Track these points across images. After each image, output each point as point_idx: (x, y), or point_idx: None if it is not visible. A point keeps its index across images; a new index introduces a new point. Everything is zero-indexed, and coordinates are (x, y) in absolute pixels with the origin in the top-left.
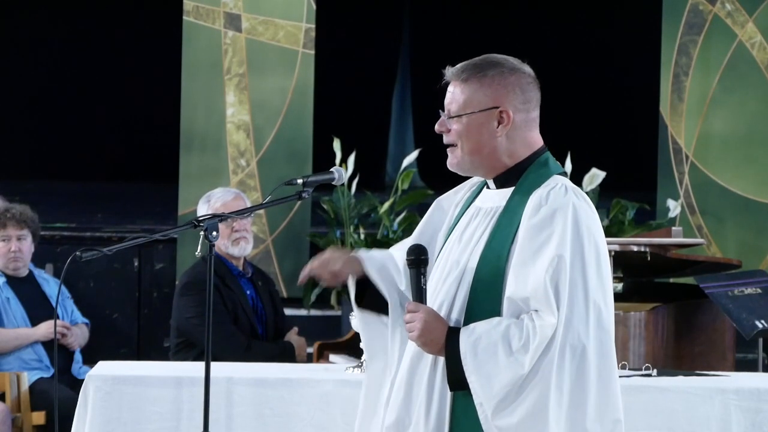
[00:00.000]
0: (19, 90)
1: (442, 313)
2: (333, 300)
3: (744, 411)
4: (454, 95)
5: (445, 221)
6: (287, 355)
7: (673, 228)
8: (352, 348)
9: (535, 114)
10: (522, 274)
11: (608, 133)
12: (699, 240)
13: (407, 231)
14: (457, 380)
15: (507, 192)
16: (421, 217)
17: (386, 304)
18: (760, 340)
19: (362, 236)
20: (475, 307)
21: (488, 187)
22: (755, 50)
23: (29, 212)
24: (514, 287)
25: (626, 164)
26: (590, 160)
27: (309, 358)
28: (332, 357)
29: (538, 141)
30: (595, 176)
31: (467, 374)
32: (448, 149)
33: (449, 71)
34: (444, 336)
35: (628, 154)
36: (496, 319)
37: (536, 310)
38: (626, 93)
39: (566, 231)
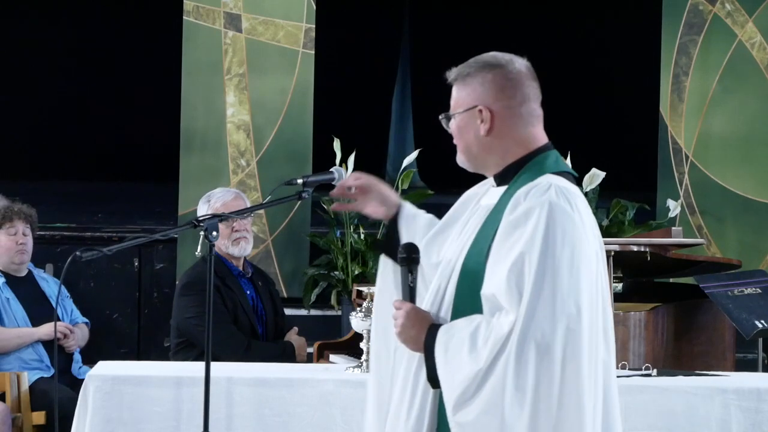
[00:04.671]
0: (19, 90)
1: (433, 310)
2: (333, 300)
3: (744, 411)
4: (452, 96)
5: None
6: (287, 355)
7: (673, 228)
8: (352, 348)
9: (527, 109)
10: (493, 271)
11: (608, 133)
12: (699, 240)
13: None
14: (432, 378)
15: (501, 190)
16: None
17: None
18: (760, 340)
19: (362, 236)
20: (460, 304)
21: (493, 185)
22: (755, 50)
23: (31, 211)
24: (486, 284)
25: (626, 164)
26: (590, 160)
27: (309, 358)
28: (332, 357)
29: (536, 139)
30: (595, 176)
31: (437, 370)
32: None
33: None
34: (424, 333)
35: (628, 154)
36: (473, 317)
37: (503, 309)
38: (626, 93)
39: (537, 230)
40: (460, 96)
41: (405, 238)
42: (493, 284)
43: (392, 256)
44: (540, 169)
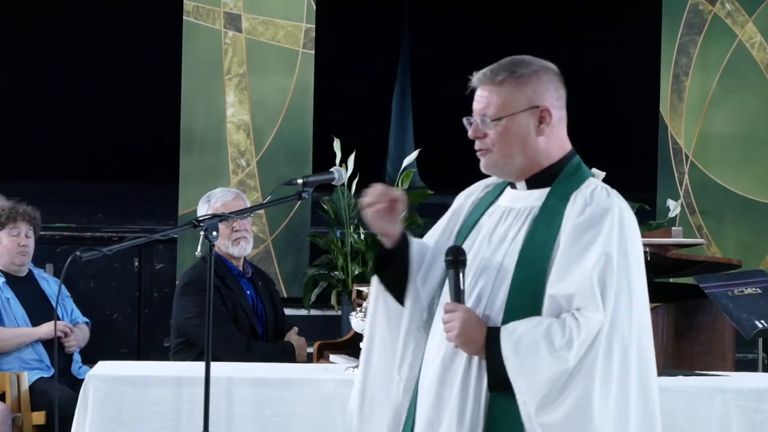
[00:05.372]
0: (19, 90)
1: (478, 313)
2: (333, 300)
3: (744, 411)
4: (490, 99)
5: (458, 222)
6: (287, 355)
7: (673, 228)
8: (352, 348)
9: (564, 112)
10: (567, 272)
11: (608, 133)
12: (699, 240)
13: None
14: (497, 380)
15: (541, 193)
16: (421, 217)
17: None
18: (760, 340)
19: (362, 236)
20: (514, 307)
21: (514, 188)
22: (755, 50)
23: (35, 213)
24: (558, 285)
25: (626, 164)
26: (590, 160)
27: (309, 358)
28: (332, 357)
29: (568, 142)
30: (595, 176)
31: (510, 373)
32: (480, 153)
33: (479, 76)
34: (483, 336)
35: (629, 154)
36: (536, 318)
37: (578, 309)
38: (626, 93)
39: (612, 231)
40: (513, 97)
41: (416, 263)
42: (572, 284)
43: (395, 282)
44: (583, 172)
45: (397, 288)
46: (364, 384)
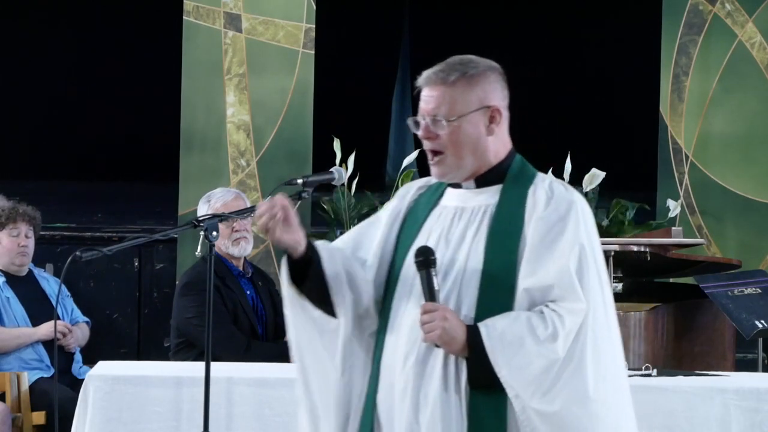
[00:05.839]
0: (19, 90)
1: None
2: None
3: (744, 411)
4: (442, 99)
5: (380, 229)
6: (287, 355)
7: (673, 228)
8: None
9: (508, 112)
10: (540, 264)
11: (608, 132)
12: (699, 240)
13: None
14: (480, 377)
15: (492, 190)
16: None
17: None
18: (760, 340)
19: None
20: (485, 304)
21: (457, 187)
22: (755, 50)
23: (36, 213)
24: (532, 278)
25: (626, 164)
26: (590, 160)
27: None
28: None
29: (510, 140)
30: (595, 176)
31: (498, 368)
32: (435, 158)
33: (429, 76)
34: (464, 334)
35: (628, 154)
36: (513, 313)
37: (555, 300)
38: (626, 93)
39: (579, 223)
40: (465, 97)
41: (329, 267)
42: (547, 276)
43: (318, 292)
44: (529, 168)
45: (321, 298)
46: (310, 403)
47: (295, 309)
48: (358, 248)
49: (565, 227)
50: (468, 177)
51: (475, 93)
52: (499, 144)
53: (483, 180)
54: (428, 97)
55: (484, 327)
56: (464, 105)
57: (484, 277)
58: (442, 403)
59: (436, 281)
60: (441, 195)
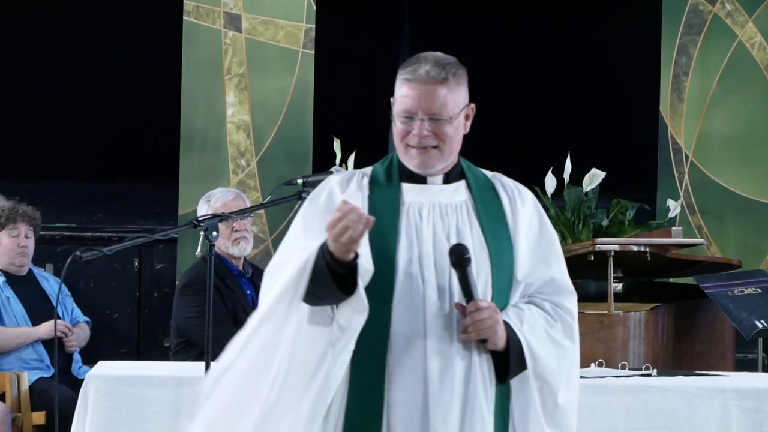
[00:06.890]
0: (18, 90)
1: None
2: None
3: (744, 411)
4: (442, 98)
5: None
6: None
7: (673, 228)
8: None
9: None
10: (538, 259)
11: (608, 132)
12: (699, 240)
13: None
14: (510, 371)
15: (458, 185)
16: None
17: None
18: (760, 340)
19: None
20: (496, 296)
21: (414, 182)
22: (755, 50)
23: (36, 213)
24: (534, 272)
25: (626, 164)
26: (590, 160)
27: None
28: None
29: None
30: (595, 176)
31: (542, 360)
32: (431, 151)
33: (423, 75)
34: (504, 327)
35: (628, 154)
36: (524, 309)
37: (553, 294)
38: (626, 93)
39: (543, 214)
40: (458, 95)
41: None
42: (552, 270)
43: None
44: (471, 164)
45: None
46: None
47: (317, 318)
48: None
49: (545, 223)
50: (441, 171)
51: (462, 92)
52: (461, 141)
53: (448, 176)
54: (425, 95)
55: (512, 323)
56: (459, 103)
57: (494, 271)
58: (480, 403)
59: (473, 278)
60: (397, 191)
